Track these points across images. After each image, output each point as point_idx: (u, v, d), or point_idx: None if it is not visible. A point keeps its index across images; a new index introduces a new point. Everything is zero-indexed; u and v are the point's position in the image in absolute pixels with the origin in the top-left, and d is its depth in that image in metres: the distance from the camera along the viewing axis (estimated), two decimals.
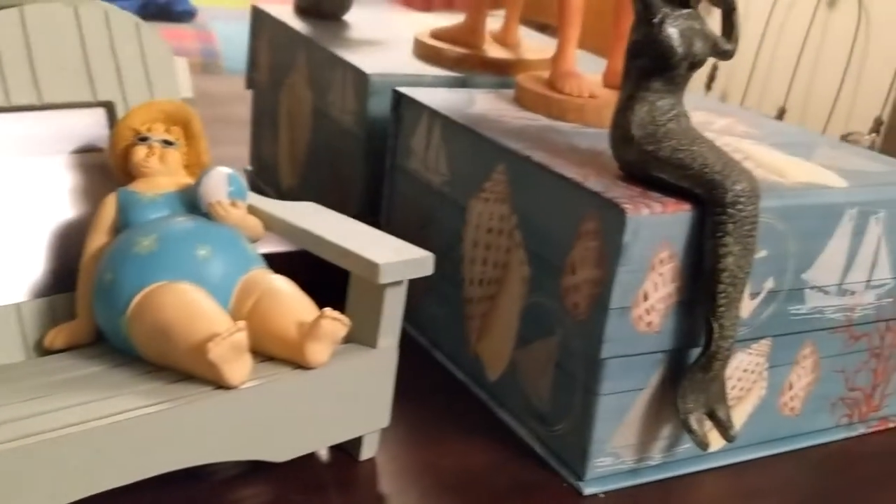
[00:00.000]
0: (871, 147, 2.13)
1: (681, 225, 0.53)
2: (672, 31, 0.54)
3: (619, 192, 0.53)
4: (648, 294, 0.53)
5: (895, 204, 0.60)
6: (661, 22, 0.54)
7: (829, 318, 0.61)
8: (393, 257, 0.52)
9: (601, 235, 0.53)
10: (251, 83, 0.98)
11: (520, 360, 0.61)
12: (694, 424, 0.55)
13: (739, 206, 0.52)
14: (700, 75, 3.20)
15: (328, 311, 0.50)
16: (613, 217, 0.52)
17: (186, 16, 2.58)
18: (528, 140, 0.62)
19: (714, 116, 0.76)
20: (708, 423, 0.56)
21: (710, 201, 0.53)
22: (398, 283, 0.53)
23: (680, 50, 0.54)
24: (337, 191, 0.81)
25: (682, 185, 0.54)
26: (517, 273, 0.61)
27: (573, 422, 0.56)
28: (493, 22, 0.87)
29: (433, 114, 0.68)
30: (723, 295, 0.53)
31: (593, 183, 0.54)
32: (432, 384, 0.65)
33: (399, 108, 0.72)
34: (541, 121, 0.68)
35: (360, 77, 0.76)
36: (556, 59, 0.72)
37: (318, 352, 0.50)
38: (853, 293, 0.61)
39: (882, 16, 2.53)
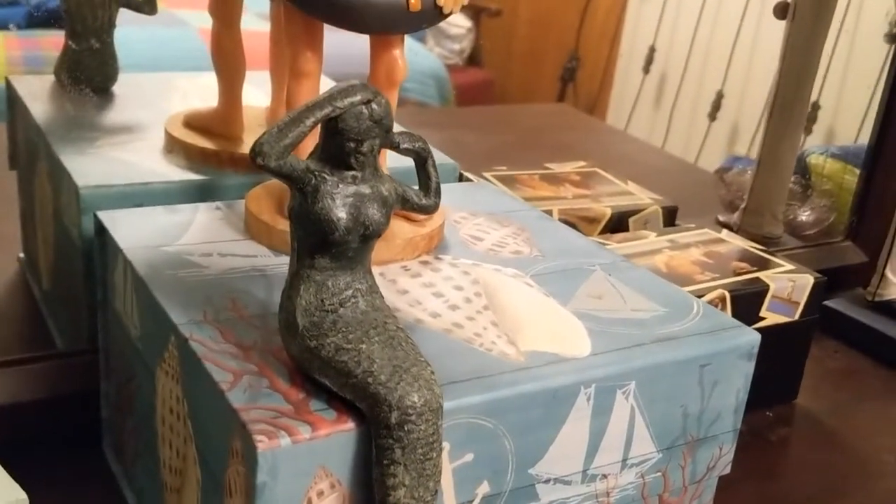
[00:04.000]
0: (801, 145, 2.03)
1: (343, 448, 0.42)
2: (329, 203, 0.43)
3: (266, 409, 0.43)
4: None
5: (650, 371, 0.50)
6: (315, 191, 0.43)
7: None
8: None
9: (245, 463, 0.42)
10: (13, 163, 0.87)
11: None
12: None
13: (409, 427, 0.41)
14: (639, 58, 3.09)
15: None
16: (248, 448, 0.41)
17: None
18: (207, 306, 0.51)
19: (493, 226, 0.65)
20: None
21: (373, 421, 0.42)
22: None
23: (342, 224, 0.43)
24: (73, 310, 0.70)
25: (346, 395, 0.43)
26: (193, 472, 0.50)
27: None
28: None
29: (124, 256, 0.57)
30: None
31: (241, 390, 0.44)
32: None
33: (103, 235, 0.61)
34: (258, 258, 0.57)
35: (74, 188, 0.65)
36: None
37: None
38: (605, 476, 0.51)
39: None
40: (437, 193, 0.48)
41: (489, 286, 0.56)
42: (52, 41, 2.37)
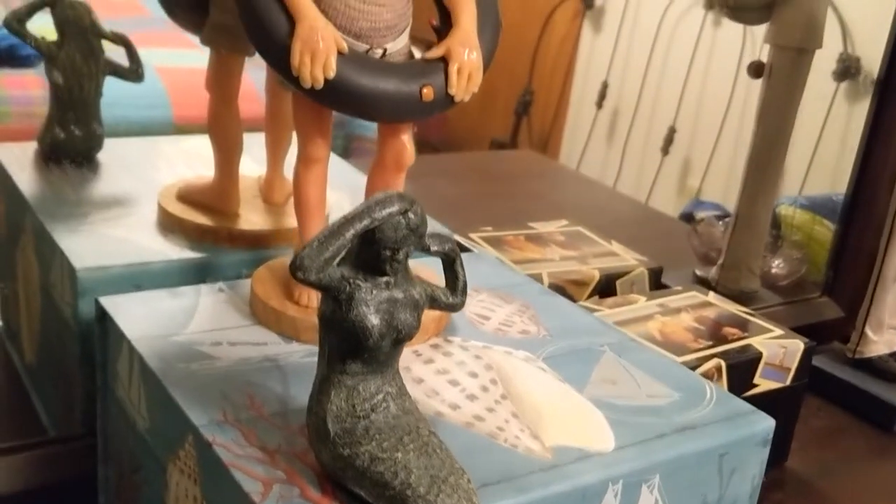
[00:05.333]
0: None
1: None
2: (364, 311, 0.42)
3: None
4: None
5: (672, 463, 0.50)
6: (350, 299, 0.42)
7: None
8: None
9: None
10: None
11: None
12: None
13: None
14: (592, 93, 3.13)
15: None
16: None
17: (33, 60, 2.38)
18: (225, 404, 0.50)
19: (497, 302, 0.65)
20: None
21: None
22: None
23: (376, 331, 0.42)
24: (65, 390, 0.69)
25: None
26: None
27: None
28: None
29: (131, 346, 0.55)
30: None
31: (273, 501, 0.43)
32: None
33: (104, 321, 0.59)
34: (268, 346, 0.56)
35: (70, 270, 0.63)
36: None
37: None
38: None
39: None
40: (464, 291, 0.47)
41: (503, 372, 0.56)
42: (6, 80, 2.33)
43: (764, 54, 1.05)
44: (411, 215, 0.42)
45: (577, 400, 0.54)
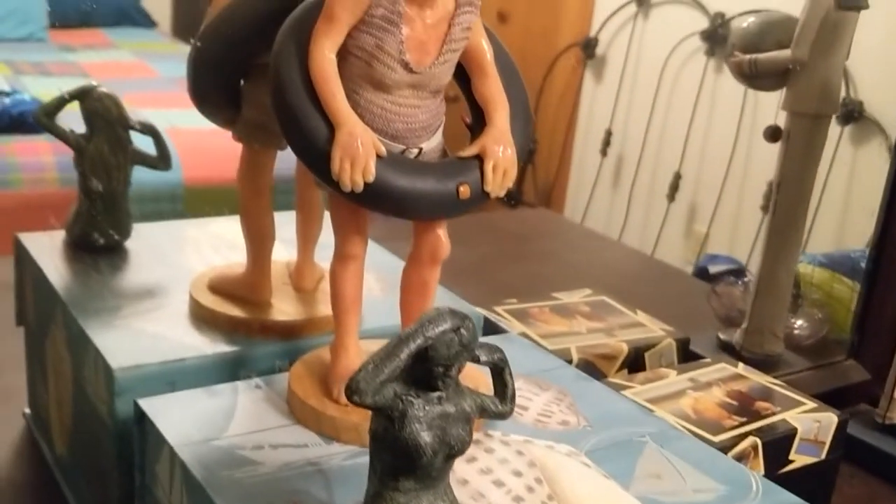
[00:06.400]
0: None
1: None
2: (417, 428, 0.42)
3: None
4: None
5: None
6: (403, 417, 0.42)
7: None
8: None
9: None
10: (21, 319, 0.85)
11: None
12: None
13: None
14: (595, 141, 3.15)
15: None
16: None
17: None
18: None
19: (534, 390, 0.65)
20: None
21: None
22: None
23: (429, 449, 0.42)
24: (100, 489, 0.68)
25: None
26: None
27: None
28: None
29: (173, 451, 0.55)
30: None
31: None
32: None
33: (143, 423, 0.59)
34: (309, 448, 0.56)
35: (106, 369, 0.63)
36: (333, 357, 0.60)
37: None
38: None
39: None
40: (513, 399, 0.47)
41: (547, 469, 0.56)
42: (17, 147, 2.34)
43: (767, 104, 1.05)
44: (463, 331, 0.42)
45: (625, 499, 0.53)
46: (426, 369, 0.42)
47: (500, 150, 0.56)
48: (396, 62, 0.54)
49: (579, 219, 3.13)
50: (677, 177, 2.93)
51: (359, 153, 0.52)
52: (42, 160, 2.27)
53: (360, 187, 0.52)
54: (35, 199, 2.20)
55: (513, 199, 3.12)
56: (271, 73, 0.55)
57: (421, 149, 0.56)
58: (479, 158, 0.56)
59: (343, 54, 0.54)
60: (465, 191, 0.55)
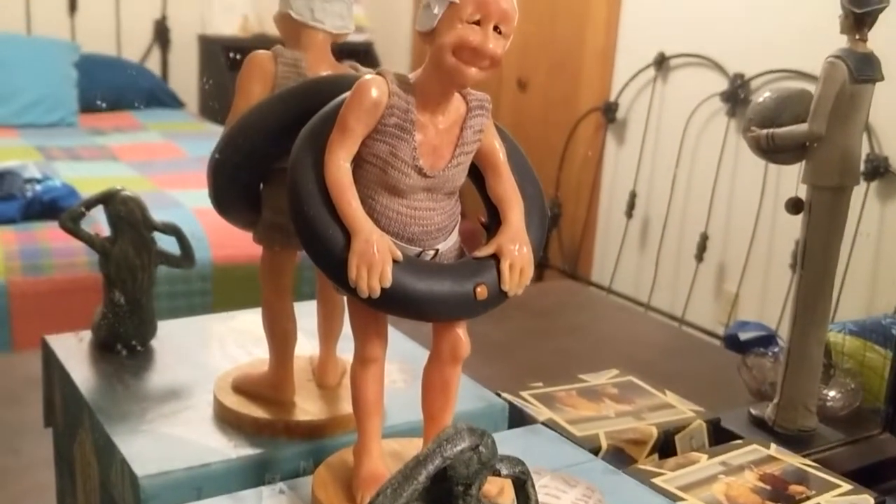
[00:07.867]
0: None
1: None
2: None
3: None
4: None
5: None
6: None
7: None
8: None
9: None
10: (49, 421, 0.85)
11: None
12: None
13: None
14: (620, 203, 3.15)
15: None
16: None
17: None
18: None
19: (562, 487, 0.64)
20: None
21: None
22: None
23: None
24: None
25: None
26: None
27: None
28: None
29: None
30: None
31: None
32: None
33: None
34: None
35: (132, 476, 0.63)
36: (357, 461, 0.59)
37: None
38: None
39: None
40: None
41: None
42: (48, 233, 2.37)
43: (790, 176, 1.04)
44: (482, 449, 0.42)
45: None
46: (446, 489, 0.42)
47: (516, 248, 0.56)
48: (410, 168, 0.54)
49: (607, 281, 3.12)
50: (704, 237, 2.91)
51: (375, 259, 0.52)
52: (73, 245, 2.29)
53: (377, 293, 0.53)
54: (66, 283, 2.22)
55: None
56: (289, 183, 0.55)
57: (437, 250, 0.57)
58: (496, 258, 0.56)
59: (358, 162, 0.55)
60: (482, 292, 0.55)
